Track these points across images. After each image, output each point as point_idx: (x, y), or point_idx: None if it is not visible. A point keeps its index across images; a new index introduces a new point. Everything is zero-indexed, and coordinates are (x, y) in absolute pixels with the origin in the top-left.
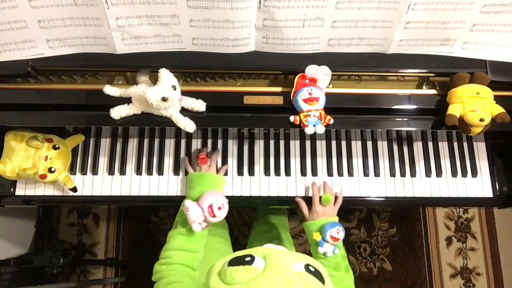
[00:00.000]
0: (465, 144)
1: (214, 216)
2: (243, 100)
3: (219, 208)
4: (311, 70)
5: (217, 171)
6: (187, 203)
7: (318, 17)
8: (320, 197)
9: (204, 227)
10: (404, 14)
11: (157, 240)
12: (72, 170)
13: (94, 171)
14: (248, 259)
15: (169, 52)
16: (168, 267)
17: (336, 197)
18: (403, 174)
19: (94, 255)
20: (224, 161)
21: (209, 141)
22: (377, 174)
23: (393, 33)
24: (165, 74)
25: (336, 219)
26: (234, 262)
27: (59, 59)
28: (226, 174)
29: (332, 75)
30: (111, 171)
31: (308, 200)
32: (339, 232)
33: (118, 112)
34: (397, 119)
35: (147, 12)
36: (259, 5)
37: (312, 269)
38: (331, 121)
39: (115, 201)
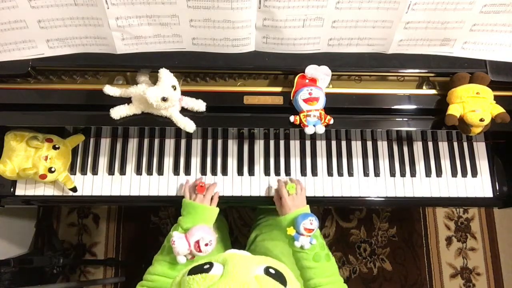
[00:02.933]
0: (465, 144)
1: (200, 251)
2: (243, 100)
3: (206, 245)
4: (311, 70)
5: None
6: (175, 234)
7: (318, 17)
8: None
9: (189, 258)
10: (404, 14)
11: (157, 240)
12: (72, 170)
13: (94, 171)
14: (206, 266)
15: (169, 52)
16: None
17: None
18: (403, 174)
19: (94, 255)
20: (224, 161)
21: (209, 141)
22: (377, 174)
23: (393, 33)
24: (165, 74)
25: (308, 209)
26: (193, 271)
27: (59, 59)
28: (226, 174)
29: (332, 75)
30: (111, 171)
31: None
32: (312, 223)
33: (118, 112)
34: (397, 119)
35: (147, 12)
36: (259, 5)
37: (273, 271)
38: (331, 121)
39: (115, 201)
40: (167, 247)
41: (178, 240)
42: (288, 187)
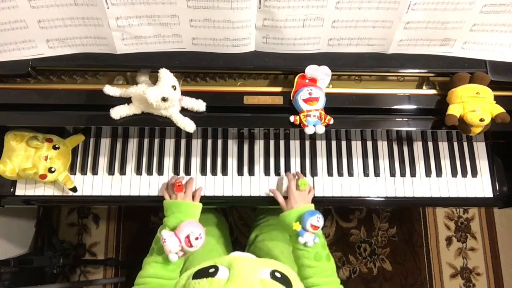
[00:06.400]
0: (465, 144)
1: (191, 246)
2: (243, 100)
3: (196, 239)
4: (311, 70)
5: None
6: (164, 233)
7: (318, 17)
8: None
9: (181, 256)
10: (404, 14)
11: None
12: (72, 170)
13: (94, 171)
14: (212, 270)
15: (169, 52)
16: None
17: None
18: (403, 174)
19: (94, 255)
20: (224, 161)
21: (209, 141)
22: (377, 174)
23: (393, 33)
24: (165, 74)
25: (313, 207)
26: (198, 275)
27: (59, 59)
28: (226, 174)
29: (332, 75)
30: (111, 171)
31: None
32: (319, 220)
33: (118, 112)
34: (397, 119)
35: (147, 12)
36: (259, 5)
37: (278, 275)
38: (331, 121)
39: (115, 201)
40: (156, 249)
41: (168, 238)
42: (300, 182)
